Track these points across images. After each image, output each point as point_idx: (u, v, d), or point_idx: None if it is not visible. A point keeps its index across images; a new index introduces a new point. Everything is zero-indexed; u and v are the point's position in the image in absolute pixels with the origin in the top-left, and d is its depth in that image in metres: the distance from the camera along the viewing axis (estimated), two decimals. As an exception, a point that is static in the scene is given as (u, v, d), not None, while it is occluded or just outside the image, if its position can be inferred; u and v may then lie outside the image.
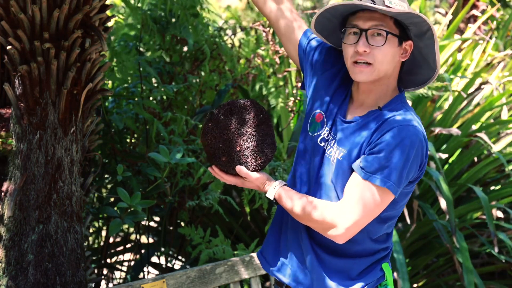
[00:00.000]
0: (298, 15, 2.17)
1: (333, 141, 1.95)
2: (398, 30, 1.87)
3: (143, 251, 3.61)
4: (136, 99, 3.15)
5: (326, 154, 1.96)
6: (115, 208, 2.74)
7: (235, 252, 2.97)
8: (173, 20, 3.41)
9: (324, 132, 1.98)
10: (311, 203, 1.88)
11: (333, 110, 1.98)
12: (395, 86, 1.95)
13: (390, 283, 1.98)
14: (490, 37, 5.31)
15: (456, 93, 3.94)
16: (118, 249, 3.87)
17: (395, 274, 3.29)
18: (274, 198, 1.93)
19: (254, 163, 1.91)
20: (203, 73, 3.49)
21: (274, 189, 1.92)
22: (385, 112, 1.88)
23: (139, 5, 3.40)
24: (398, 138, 1.80)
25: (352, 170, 1.88)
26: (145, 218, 3.24)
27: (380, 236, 1.98)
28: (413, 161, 1.82)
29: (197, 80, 3.50)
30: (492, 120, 4.27)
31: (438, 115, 4.11)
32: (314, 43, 2.10)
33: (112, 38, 3.51)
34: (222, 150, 1.91)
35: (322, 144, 1.98)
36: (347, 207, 1.84)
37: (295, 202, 1.90)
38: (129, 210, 2.59)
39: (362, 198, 1.82)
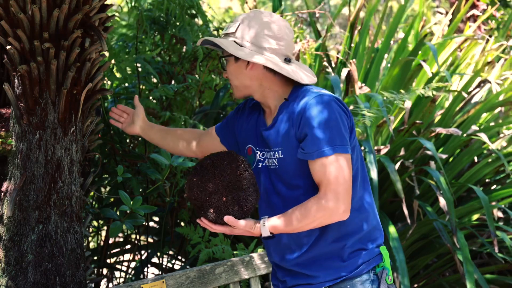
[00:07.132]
0: (196, 131, 2.42)
1: (268, 152, 2.08)
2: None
3: (143, 251, 3.61)
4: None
5: (269, 168, 2.08)
6: (115, 209, 2.73)
7: (235, 252, 2.97)
8: (172, 20, 3.40)
9: (258, 156, 2.11)
10: (303, 208, 1.97)
11: (253, 132, 2.14)
12: (283, 85, 2.08)
13: (387, 264, 2.07)
14: (490, 36, 5.30)
15: (456, 93, 3.93)
16: (118, 249, 3.87)
17: (394, 274, 3.28)
18: (271, 233, 2.01)
19: (241, 211, 2.00)
20: (197, 75, 3.49)
21: (265, 226, 2.01)
22: (291, 101, 2.04)
23: (136, 4, 3.40)
24: (315, 110, 1.95)
25: (298, 159, 1.99)
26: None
27: (356, 202, 2.06)
28: (338, 116, 1.96)
29: (197, 79, 3.49)
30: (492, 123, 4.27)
31: (438, 115, 4.11)
32: (225, 126, 2.30)
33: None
34: (209, 202, 1.99)
35: (260, 165, 2.11)
36: (330, 186, 1.94)
37: (288, 221, 1.98)
38: (128, 212, 2.58)
39: (331, 173, 1.94)
